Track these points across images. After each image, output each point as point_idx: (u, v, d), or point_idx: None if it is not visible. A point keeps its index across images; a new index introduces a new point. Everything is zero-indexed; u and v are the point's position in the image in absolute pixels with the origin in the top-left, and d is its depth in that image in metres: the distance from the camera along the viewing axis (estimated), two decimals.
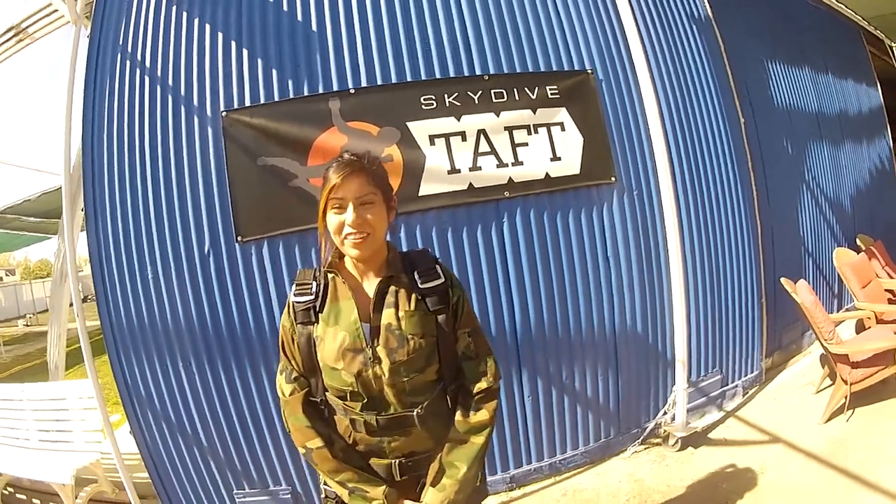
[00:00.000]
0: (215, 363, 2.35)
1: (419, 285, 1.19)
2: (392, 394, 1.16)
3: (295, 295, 1.22)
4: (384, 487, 1.18)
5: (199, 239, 2.36)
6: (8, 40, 3.43)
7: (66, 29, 3.50)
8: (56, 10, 3.27)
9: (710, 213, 2.89)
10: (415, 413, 1.16)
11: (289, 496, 2.41)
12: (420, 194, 2.39)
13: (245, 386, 2.36)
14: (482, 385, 1.20)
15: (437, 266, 1.23)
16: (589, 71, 2.70)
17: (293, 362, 1.23)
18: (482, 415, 1.19)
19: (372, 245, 1.14)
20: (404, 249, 1.33)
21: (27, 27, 3.39)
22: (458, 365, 1.23)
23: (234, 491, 2.42)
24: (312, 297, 1.20)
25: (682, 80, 2.93)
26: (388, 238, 1.23)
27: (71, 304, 3.61)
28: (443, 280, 1.20)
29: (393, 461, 1.20)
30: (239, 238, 2.35)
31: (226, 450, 2.40)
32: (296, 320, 1.21)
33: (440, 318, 1.19)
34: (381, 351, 1.14)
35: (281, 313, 2.28)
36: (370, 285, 1.19)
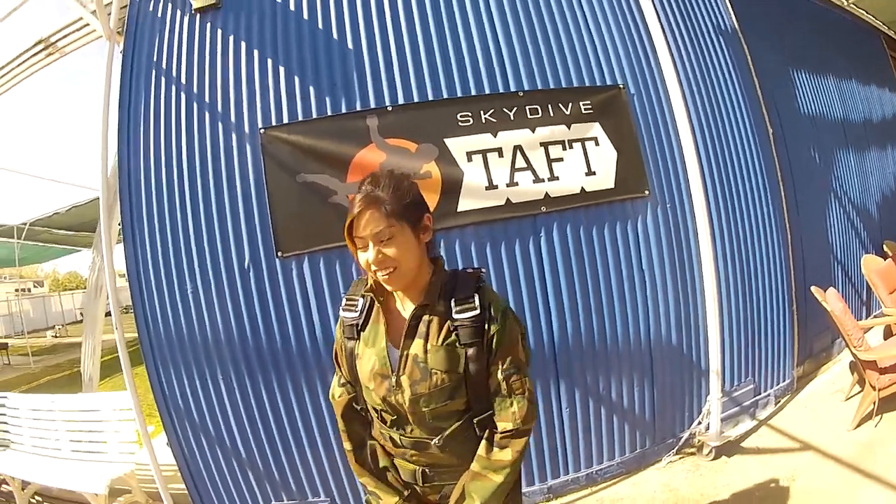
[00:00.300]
0: (255, 376, 2.45)
1: (453, 314, 1.17)
2: (413, 420, 1.21)
3: (343, 309, 1.30)
4: (396, 499, 1.28)
5: (238, 254, 2.46)
6: (36, 53, 3.51)
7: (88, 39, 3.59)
8: (87, 25, 3.35)
9: (741, 224, 2.97)
10: (433, 442, 1.20)
11: None
12: (459, 210, 2.48)
13: (285, 398, 2.46)
14: (507, 425, 1.17)
15: (477, 294, 1.17)
16: (621, 86, 2.80)
17: (342, 370, 1.33)
18: (505, 454, 1.17)
19: (402, 278, 1.15)
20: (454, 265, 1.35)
21: (56, 41, 3.47)
22: (490, 399, 1.20)
23: (272, 502, 2.51)
24: (356, 314, 1.27)
25: (712, 92, 3.02)
26: (433, 255, 1.23)
27: (107, 314, 3.72)
28: (478, 312, 1.15)
29: (417, 468, 1.27)
30: (279, 253, 2.45)
31: (264, 461, 2.50)
32: (343, 333, 1.30)
33: (470, 351, 1.15)
34: (404, 380, 1.18)
35: (321, 328, 2.40)
36: (408, 310, 1.21)
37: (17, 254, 10.82)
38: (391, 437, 1.27)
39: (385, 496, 1.30)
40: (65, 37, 3.42)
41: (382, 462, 1.32)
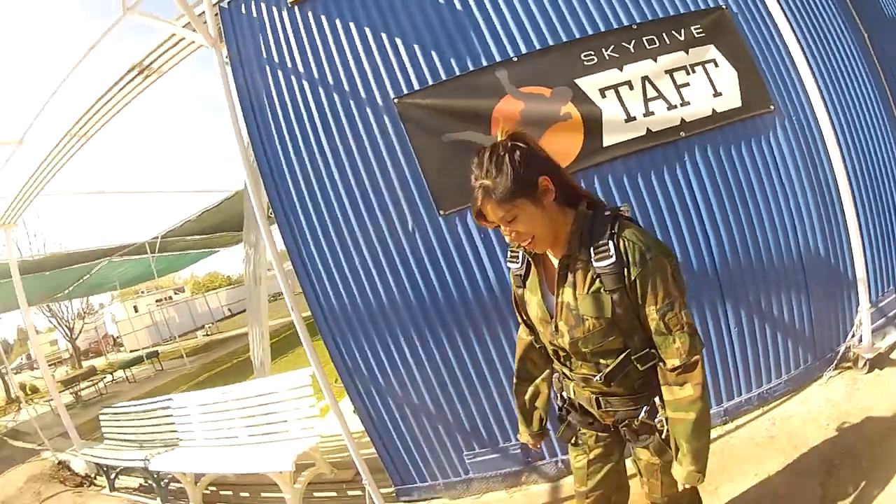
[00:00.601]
0: (436, 332, 2.58)
1: (593, 263, 1.22)
2: (576, 358, 1.34)
3: (507, 261, 1.45)
4: (523, 428, 1.62)
5: (400, 219, 2.59)
6: (133, 79, 3.57)
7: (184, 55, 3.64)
8: (181, 41, 3.42)
9: (861, 129, 3.00)
10: (596, 378, 1.32)
11: (518, 451, 2.58)
12: (605, 145, 2.56)
13: (469, 349, 2.58)
14: (674, 362, 1.22)
15: (611, 241, 1.20)
16: (723, 6, 2.85)
17: (520, 314, 1.48)
18: (687, 390, 1.22)
19: (542, 242, 1.26)
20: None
21: (150, 63, 3.51)
22: (649, 335, 1.26)
23: (465, 453, 2.60)
24: (519, 265, 1.40)
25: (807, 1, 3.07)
26: (571, 202, 1.28)
27: (272, 299, 3.87)
28: (614, 260, 1.19)
29: (591, 396, 1.40)
30: (440, 212, 2.57)
31: (454, 414, 2.62)
32: (513, 282, 1.45)
33: (615, 296, 1.20)
34: (561, 325, 1.29)
35: (494, 276, 2.49)
36: (557, 259, 1.31)
37: (154, 266, 11.63)
38: (564, 372, 1.44)
39: (521, 425, 1.62)
40: (158, 57, 3.48)
41: (538, 403, 1.58)
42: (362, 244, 2.58)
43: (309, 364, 2.63)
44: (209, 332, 19.43)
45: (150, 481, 3.55)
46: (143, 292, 26.14)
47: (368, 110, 2.66)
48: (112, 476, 4.25)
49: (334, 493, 3.21)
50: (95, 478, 4.97)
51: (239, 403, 3.31)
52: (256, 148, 2.76)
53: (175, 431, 3.68)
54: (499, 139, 1.24)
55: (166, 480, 3.61)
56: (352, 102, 2.69)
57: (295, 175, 2.68)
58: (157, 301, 24.72)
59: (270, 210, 2.78)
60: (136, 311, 23.24)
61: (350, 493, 3.13)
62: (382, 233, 2.58)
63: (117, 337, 24.47)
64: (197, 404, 3.52)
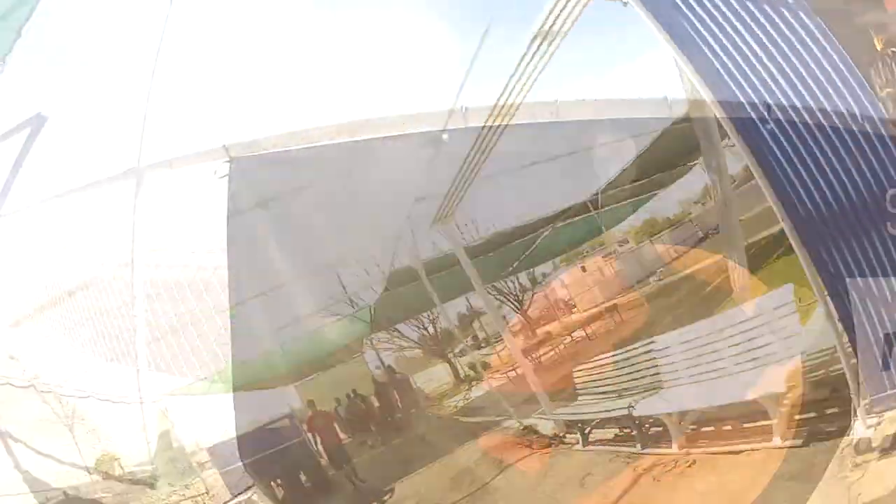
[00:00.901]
0: None
1: None
2: None
3: None
4: None
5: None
6: (538, 48, 3.52)
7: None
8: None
9: None
10: None
11: None
12: None
13: None
14: None
15: None
16: None
17: None
18: None
19: None
20: None
21: (551, 27, 3.46)
22: None
23: None
24: None
25: None
26: None
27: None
28: None
29: None
30: None
31: None
32: None
33: None
34: None
35: None
36: None
37: (602, 223, 12.47)
38: None
39: None
40: (556, 20, 3.42)
41: None
42: (830, 154, 2.50)
43: (775, 284, 2.61)
44: (661, 277, 18.44)
45: (627, 429, 3.52)
46: (585, 252, 25.11)
47: (783, 9, 2.44)
48: (587, 430, 4.40)
49: (813, 414, 3.06)
50: (564, 437, 5.01)
51: (723, 333, 3.22)
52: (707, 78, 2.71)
53: (657, 374, 3.67)
54: (878, 49, 1.44)
55: (646, 426, 3.60)
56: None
57: (758, 92, 2.59)
58: (603, 257, 23.42)
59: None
60: (585, 270, 22.63)
61: (828, 411, 2.99)
62: (847, 142, 2.47)
63: (568, 300, 23.24)
64: (681, 342, 3.48)
